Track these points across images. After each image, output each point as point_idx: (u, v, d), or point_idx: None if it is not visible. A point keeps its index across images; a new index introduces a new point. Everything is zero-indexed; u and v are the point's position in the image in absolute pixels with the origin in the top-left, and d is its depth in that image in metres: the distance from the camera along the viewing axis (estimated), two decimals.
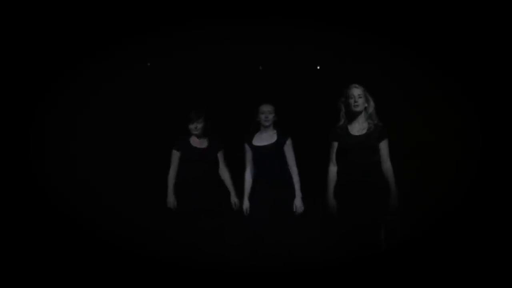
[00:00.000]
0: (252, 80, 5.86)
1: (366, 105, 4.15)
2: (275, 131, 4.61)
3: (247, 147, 4.63)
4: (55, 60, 5.06)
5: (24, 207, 4.90)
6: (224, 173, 4.83)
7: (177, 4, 5.02)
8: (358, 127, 4.17)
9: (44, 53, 5.01)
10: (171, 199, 4.78)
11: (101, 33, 5.11)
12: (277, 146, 4.54)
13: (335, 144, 4.23)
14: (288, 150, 4.56)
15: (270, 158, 4.54)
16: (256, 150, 4.58)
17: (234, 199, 4.77)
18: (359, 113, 4.15)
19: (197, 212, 4.68)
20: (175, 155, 4.81)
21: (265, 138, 4.60)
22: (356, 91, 4.12)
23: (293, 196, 4.49)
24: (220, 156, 4.85)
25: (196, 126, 4.76)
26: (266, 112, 4.56)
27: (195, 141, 4.81)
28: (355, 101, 4.11)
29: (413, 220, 4.85)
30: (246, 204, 4.59)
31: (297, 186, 4.51)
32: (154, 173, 5.16)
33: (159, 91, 5.81)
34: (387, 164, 4.12)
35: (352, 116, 4.18)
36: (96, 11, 4.96)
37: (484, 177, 4.74)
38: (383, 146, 4.13)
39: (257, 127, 4.63)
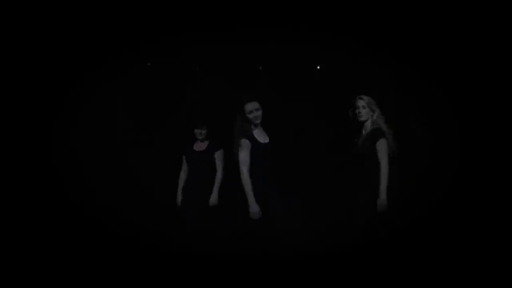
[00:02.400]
0: (253, 80, 5.91)
1: (371, 113, 4.33)
2: (262, 128, 4.48)
3: (248, 143, 4.32)
4: (65, 67, 5.24)
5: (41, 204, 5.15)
6: (218, 172, 5.10)
7: (178, 9, 5.08)
8: (363, 134, 4.42)
9: (56, 61, 5.20)
10: (178, 198, 5.21)
11: (110, 42, 5.29)
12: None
13: None
14: None
15: (271, 155, 4.45)
16: (263, 147, 4.38)
17: (214, 198, 5.02)
18: (365, 122, 4.38)
19: (200, 208, 5.04)
20: (183, 158, 5.24)
21: (262, 135, 4.44)
22: (360, 102, 4.37)
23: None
24: (217, 156, 5.12)
25: (201, 132, 5.13)
26: (254, 111, 4.34)
27: (197, 145, 5.19)
28: (359, 112, 4.37)
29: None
30: (256, 208, 4.24)
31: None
32: (161, 173, 5.56)
33: (165, 95, 5.93)
34: (381, 165, 4.25)
35: (361, 124, 4.42)
36: (109, 19, 5.14)
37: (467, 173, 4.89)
38: (378, 147, 4.28)
39: (245, 125, 4.38)
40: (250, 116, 4.34)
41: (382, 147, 4.26)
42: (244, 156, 4.29)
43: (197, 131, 5.14)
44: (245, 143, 4.31)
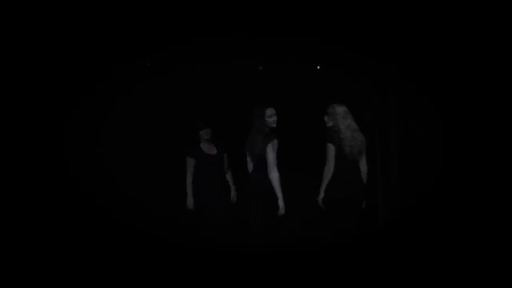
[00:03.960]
0: (253, 81, 6.00)
1: (332, 122, 4.63)
2: None
3: (277, 144, 4.62)
4: (67, 69, 5.27)
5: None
6: (229, 172, 5.43)
7: (178, 10, 5.14)
8: None
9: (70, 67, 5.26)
10: (190, 201, 5.28)
11: (120, 48, 5.37)
12: None
13: None
14: None
15: None
16: (278, 148, 4.66)
17: (234, 195, 5.37)
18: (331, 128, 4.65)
19: (213, 208, 5.22)
20: (191, 162, 5.30)
21: None
22: (327, 110, 4.67)
23: None
24: (225, 157, 5.41)
25: (207, 132, 5.27)
26: (273, 115, 4.65)
27: (205, 148, 5.34)
28: (326, 119, 4.68)
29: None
30: (284, 205, 4.58)
31: None
32: (172, 173, 5.67)
33: (170, 98, 6.07)
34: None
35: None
36: (121, 28, 5.22)
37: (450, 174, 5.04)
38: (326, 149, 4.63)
39: (265, 129, 4.64)
40: (270, 120, 4.64)
41: (327, 150, 4.59)
42: (275, 156, 4.57)
43: (202, 132, 5.28)
44: (276, 144, 4.60)
